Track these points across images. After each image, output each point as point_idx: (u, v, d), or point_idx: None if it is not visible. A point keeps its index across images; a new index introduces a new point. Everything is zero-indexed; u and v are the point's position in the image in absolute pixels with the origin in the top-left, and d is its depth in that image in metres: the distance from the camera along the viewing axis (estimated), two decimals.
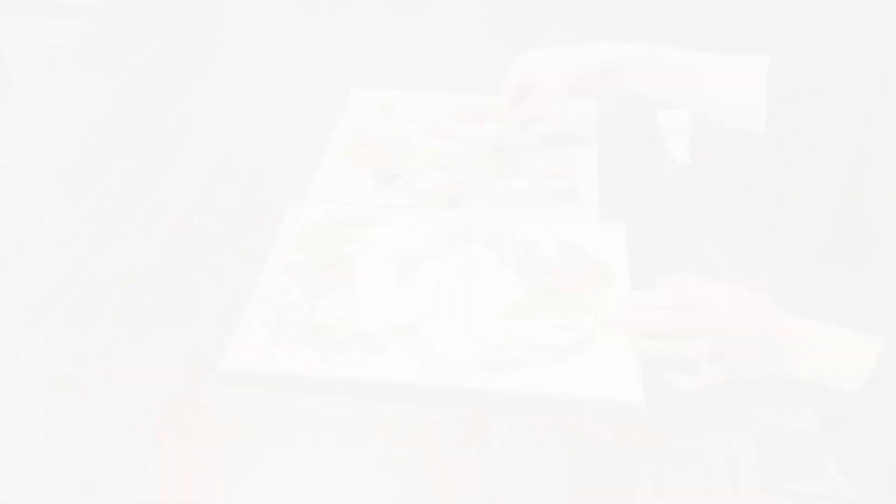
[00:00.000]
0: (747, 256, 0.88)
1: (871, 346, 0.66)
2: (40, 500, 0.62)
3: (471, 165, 1.01)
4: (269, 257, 0.84)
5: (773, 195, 0.93)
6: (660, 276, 0.78)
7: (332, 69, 1.23)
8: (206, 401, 0.70)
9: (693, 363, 0.70)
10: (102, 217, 0.92)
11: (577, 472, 0.65)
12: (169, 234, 0.90)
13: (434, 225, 0.89)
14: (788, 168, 0.87)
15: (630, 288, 0.80)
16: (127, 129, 1.08)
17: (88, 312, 0.79)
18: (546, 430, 0.68)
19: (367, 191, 0.97)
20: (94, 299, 0.81)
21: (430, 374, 0.71)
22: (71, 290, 0.82)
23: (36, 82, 1.19)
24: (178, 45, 1.30)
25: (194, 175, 1.00)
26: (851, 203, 0.76)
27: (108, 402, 0.70)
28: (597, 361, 0.73)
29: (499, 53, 1.23)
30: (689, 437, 0.67)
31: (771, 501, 0.62)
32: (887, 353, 0.65)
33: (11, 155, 1.03)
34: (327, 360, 0.73)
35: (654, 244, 0.89)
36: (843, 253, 0.78)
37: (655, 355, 0.72)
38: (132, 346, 0.75)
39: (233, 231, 0.90)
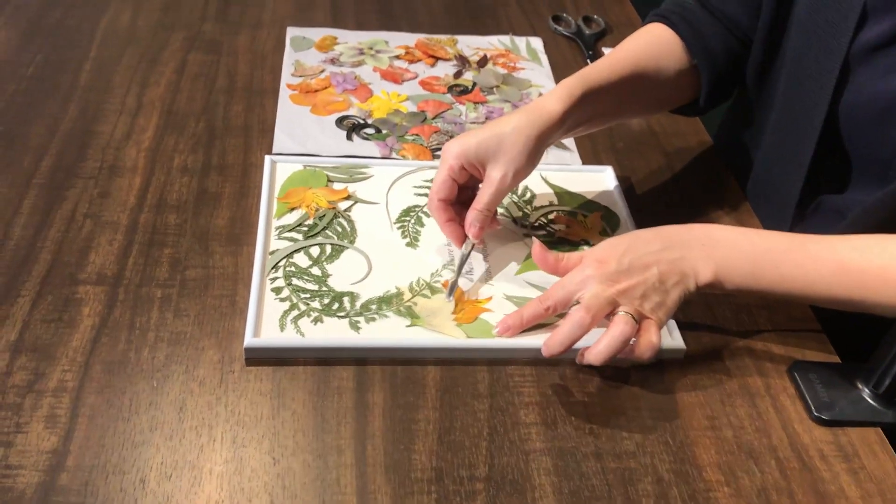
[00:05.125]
0: (721, 183, 0.91)
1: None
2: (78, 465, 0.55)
3: (436, 108, 0.97)
4: (258, 220, 0.78)
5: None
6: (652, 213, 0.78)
7: (256, 8, 1.14)
8: (234, 385, 0.64)
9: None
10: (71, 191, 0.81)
11: (631, 413, 0.65)
12: (139, 203, 0.80)
13: (425, 177, 0.85)
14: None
15: (634, 227, 0.81)
16: (61, 90, 0.95)
17: (74, 289, 0.70)
18: (589, 377, 0.68)
19: (339, 140, 0.91)
20: (66, 272, 0.71)
21: (467, 333, 0.69)
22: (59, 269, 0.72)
23: None
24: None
25: (145, 137, 0.89)
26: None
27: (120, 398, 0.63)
28: None
29: None
30: (729, 378, 0.69)
31: (816, 431, 0.66)
32: None
33: None
34: (359, 327, 0.68)
35: (638, 183, 0.90)
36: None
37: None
38: (124, 331, 0.68)
39: (202, 193, 0.82)
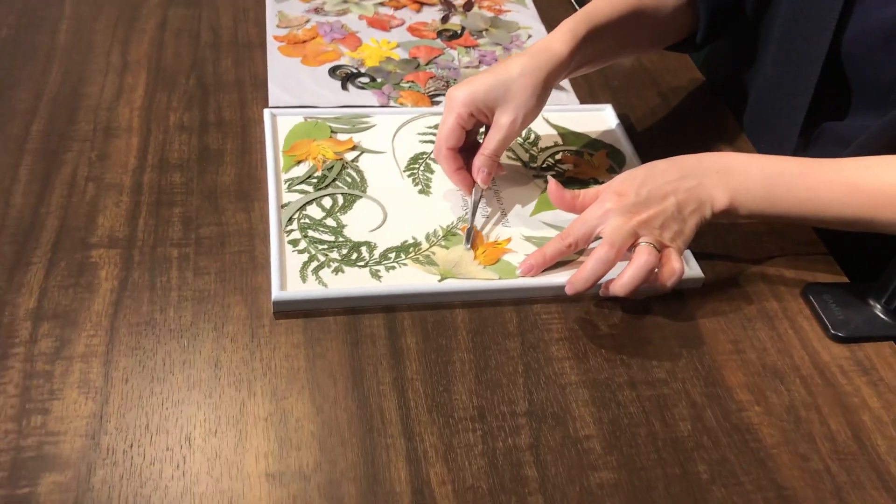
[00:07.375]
0: (718, 117, 0.92)
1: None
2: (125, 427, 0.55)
3: (428, 54, 0.96)
4: (265, 175, 0.76)
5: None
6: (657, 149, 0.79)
7: None
8: (266, 339, 0.64)
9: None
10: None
11: (658, 342, 0.67)
12: (141, 164, 0.78)
13: (427, 123, 0.85)
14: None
15: (640, 163, 0.82)
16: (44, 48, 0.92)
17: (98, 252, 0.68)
18: (612, 311, 0.69)
19: (334, 90, 0.89)
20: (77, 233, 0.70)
21: (488, 275, 0.69)
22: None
23: None
24: None
25: (135, 96, 0.87)
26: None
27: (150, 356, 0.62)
28: None
29: None
30: (747, 303, 0.71)
31: (834, 348, 0.68)
32: None
33: None
34: (380, 276, 0.68)
35: (638, 121, 0.91)
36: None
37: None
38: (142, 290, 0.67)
39: (204, 150, 0.80)
